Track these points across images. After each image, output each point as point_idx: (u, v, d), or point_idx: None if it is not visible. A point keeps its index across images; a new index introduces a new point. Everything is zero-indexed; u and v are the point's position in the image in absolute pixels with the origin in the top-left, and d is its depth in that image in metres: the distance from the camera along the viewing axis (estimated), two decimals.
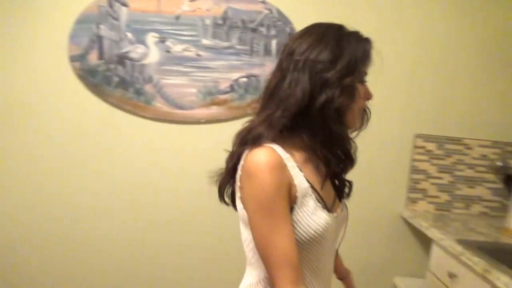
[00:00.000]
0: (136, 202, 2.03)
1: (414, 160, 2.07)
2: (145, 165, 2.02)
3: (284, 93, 0.84)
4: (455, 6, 2.01)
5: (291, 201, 0.83)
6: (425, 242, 2.05)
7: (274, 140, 0.84)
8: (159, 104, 1.97)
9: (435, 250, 1.76)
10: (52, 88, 1.95)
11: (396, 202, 2.10)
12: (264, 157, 0.80)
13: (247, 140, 0.85)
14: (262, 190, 0.79)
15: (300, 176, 0.84)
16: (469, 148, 2.08)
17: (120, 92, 1.95)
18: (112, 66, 1.93)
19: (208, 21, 1.94)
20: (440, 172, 2.08)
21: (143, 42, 1.93)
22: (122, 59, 1.93)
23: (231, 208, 0.97)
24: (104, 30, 1.92)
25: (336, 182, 0.99)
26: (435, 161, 2.07)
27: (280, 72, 0.88)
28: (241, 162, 0.85)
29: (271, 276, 0.82)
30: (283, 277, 0.78)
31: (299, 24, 1.93)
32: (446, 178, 2.09)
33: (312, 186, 0.85)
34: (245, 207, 0.86)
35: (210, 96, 1.98)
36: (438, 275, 1.71)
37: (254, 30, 1.95)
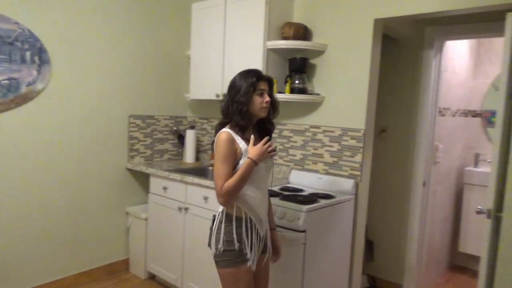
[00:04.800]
0: None
1: (130, 131, 3.28)
2: None
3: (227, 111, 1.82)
4: (148, 36, 3.31)
5: (239, 154, 1.73)
6: (144, 180, 3.32)
7: (231, 128, 1.77)
8: None
9: (152, 180, 3.08)
10: None
11: (122, 159, 3.26)
12: (223, 135, 1.73)
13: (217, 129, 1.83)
14: (221, 149, 1.72)
15: (243, 143, 1.75)
16: (158, 121, 3.50)
17: None
18: None
19: None
20: (145, 137, 3.39)
21: None
22: None
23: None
24: None
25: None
26: (142, 131, 3.36)
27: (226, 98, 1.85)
28: (215, 139, 1.78)
29: (215, 185, 1.70)
30: (219, 184, 1.69)
31: (46, 41, 2.70)
32: (149, 140, 3.42)
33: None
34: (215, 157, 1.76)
35: None
36: (156, 192, 3.05)
37: (11, 43, 2.54)
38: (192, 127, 3.45)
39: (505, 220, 2.06)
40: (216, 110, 3.54)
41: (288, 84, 2.74)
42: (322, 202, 2.36)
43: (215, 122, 3.48)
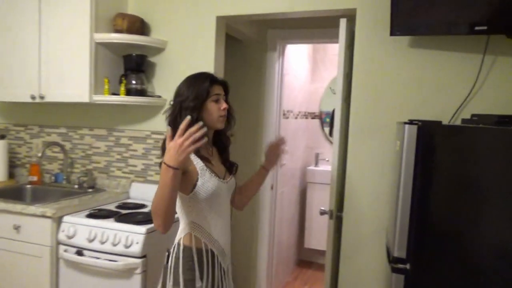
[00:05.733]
0: None
1: None
2: None
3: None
4: None
5: (194, 174, 1.38)
6: None
7: None
8: None
9: None
10: None
11: None
12: None
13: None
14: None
15: (198, 161, 1.41)
16: None
17: None
18: None
19: None
20: None
21: None
22: None
23: None
24: None
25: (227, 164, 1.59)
26: None
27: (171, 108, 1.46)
28: None
29: None
30: None
31: None
32: None
33: (206, 165, 1.42)
34: None
35: None
36: None
37: None
38: (3, 137, 2.76)
39: (345, 219, 2.12)
40: (36, 115, 2.94)
41: (123, 85, 2.37)
42: None
43: (36, 129, 2.87)
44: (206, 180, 1.41)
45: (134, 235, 1.88)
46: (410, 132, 1.37)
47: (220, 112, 1.46)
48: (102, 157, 2.67)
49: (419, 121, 1.39)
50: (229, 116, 1.54)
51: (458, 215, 1.38)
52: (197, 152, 1.42)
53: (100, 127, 2.67)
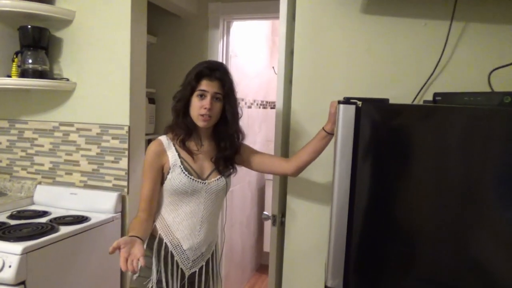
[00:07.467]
0: None
1: None
2: None
3: None
4: None
5: (166, 168, 1.37)
6: None
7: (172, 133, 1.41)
8: None
9: None
10: None
11: None
12: (152, 145, 1.40)
13: None
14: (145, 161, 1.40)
15: (173, 155, 1.37)
16: None
17: None
18: None
19: None
20: None
21: None
22: None
23: None
24: None
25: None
26: None
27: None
28: None
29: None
30: (139, 205, 1.37)
31: None
32: None
33: (182, 162, 1.36)
34: None
35: None
36: None
37: None
38: None
39: (287, 227, 1.75)
40: None
41: (14, 64, 1.91)
42: (61, 231, 1.65)
43: None
44: (174, 177, 1.37)
45: (7, 256, 1.44)
46: (346, 114, 0.98)
47: (199, 111, 1.35)
48: (4, 154, 2.21)
49: (358, 99, 0.99)
50: (225, 117, 1.42)
51: (416, 226, 1.00)
52: (183, 145, 1.40)
53: (1, 118, 2.20)
